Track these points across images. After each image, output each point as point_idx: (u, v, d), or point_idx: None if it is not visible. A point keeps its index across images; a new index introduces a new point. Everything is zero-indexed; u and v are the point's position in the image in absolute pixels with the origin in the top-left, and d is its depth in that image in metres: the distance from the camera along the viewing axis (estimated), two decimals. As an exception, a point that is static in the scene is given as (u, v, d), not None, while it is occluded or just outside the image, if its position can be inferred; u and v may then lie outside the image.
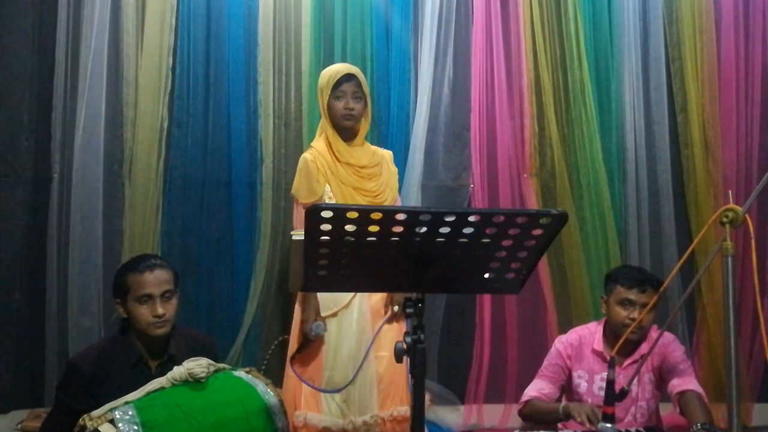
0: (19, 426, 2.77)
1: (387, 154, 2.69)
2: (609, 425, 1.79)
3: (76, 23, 3.00)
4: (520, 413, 2.36)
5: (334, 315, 2.47)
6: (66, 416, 2.02)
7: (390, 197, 2.58)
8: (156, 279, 2.05)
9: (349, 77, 2.51)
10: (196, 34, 3.07)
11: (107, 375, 2.02)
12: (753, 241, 1.68)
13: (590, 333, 2.40)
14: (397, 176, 2.69)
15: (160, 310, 2.03)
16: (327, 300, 2.47)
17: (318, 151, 2.55)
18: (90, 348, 2.17)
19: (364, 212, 1.27)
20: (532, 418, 2.29)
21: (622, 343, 2.24)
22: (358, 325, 2.45)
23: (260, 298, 3.06)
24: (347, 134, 2.56)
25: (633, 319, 2.21)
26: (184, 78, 3.05)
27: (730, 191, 1.87)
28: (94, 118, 2.96)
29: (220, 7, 3.11)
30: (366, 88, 2.57)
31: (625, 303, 2.25)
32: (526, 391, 2.37)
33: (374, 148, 2.68)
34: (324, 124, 2.59)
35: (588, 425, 2.03)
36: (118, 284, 2.09)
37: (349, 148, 2.54)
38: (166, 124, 3.03)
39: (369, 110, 2.62)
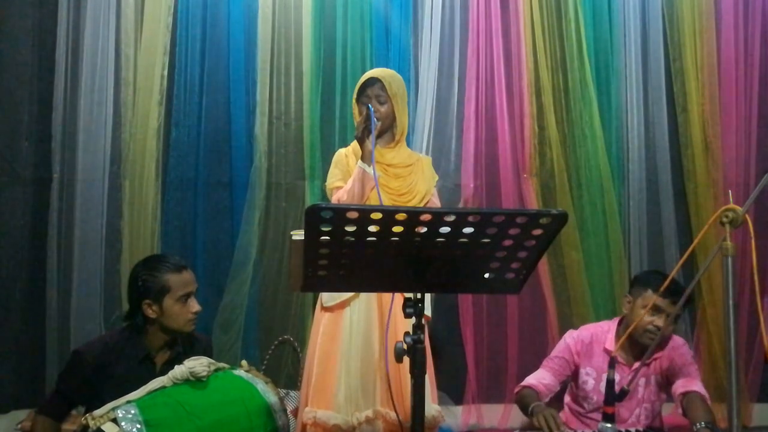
0: (19, 426, 2.77)
1: (425, 159, 2.68)
2: (609, 425, 1.79)
3: (76, 23, 3.01)
4: (515, 396, 2.37)
5: (346, 305, 2.45)
6: (62, 404, 2.08)
7: (417, 200, 2.55)
8: (191, 277, 2.11)
9: (372, 81, 2.51)
10: (194, 34, 3.08)
11: (111, 368, 2.04)
12: (753, 241, 1.68)
13: (603, 332, 2.39)
14: (433, 181, 2.64)
15: (198, 307, 2.09)
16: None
17: (352, 148, 2.58)
18: (97, 339, 2.18)
19: (364, 212, 1.27)
20: (520, 405, 2.29)
21: (633, 343, 2.24)
22: (368, 315, 2.42)
23: (260, 299, 3.06)
24: (379, 136, 2.53)
25: (657, 327, 2.20)
26: (183, 78, 3.06)
27: (730, 191, 1.87)
28: (94, 118, 2.97)
29: (220, 7, 3.11)
30: (393, 90, 2.50)
31: (655, 309, 2.23)
32: (527, 377, 2.37)
33: (412, 152, 2.68)
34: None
35: (546, 430, 2.01)
36: (153, 285, 2.05)
37: (380, 148, 2.53)
38: (163, 125, 3.03)
39: (400, 111, 2.55)
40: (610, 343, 2.33)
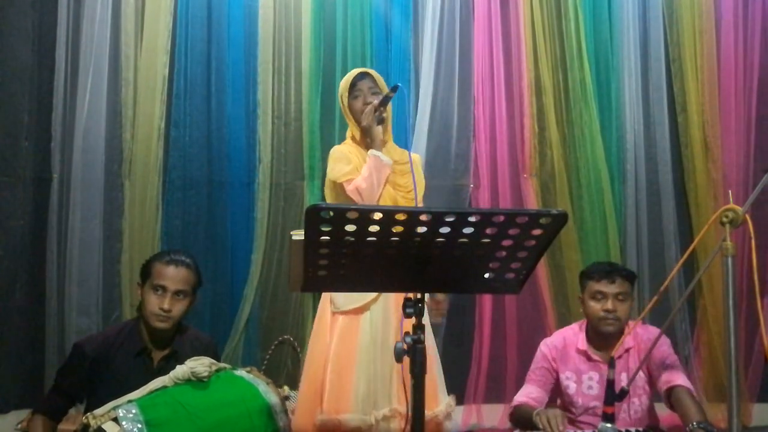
0: (19, 426, 2.76)
1: (416, 156, 2.60)
2: (609, 425, 1.79)
3: (76, 23, 3.01)
4: (510, 419, 2.37)
5: (366, 309, 2.42)
6: (60, 400, 2.10)
7: (420, 196, 2.53)
8: (177, 275, 2.13)
9: (363, 75, 2.49)
10: (195, 34, 3.08)
11: (110, 361, 2.08)
12: (753, 241, 1.68)
13: (574, 333, 2.41)
14: (423, 181, 2.58)
15: (166, 305, 2.09)
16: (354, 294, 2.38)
17: (348, 144, 2.51)
18: (98, 333, 2.26)
19: (364, 212, 1.27)
20: (519, 424, 2.29)
21: (599, 336, 2.29)
22: (387, 318, 2.41)
23: (260, 298, 3.06)
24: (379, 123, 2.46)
25: (607, 311, 2.25)
26: (183, 78, 3.06)
27: (730, 191, 1.88)
28: (94, 118, 2.97)
29: (220, 8, 3.12)
30: (381, 84, 2.48)
31: (597, 296, 2.28)
32: (515, 396, 2.37)
33: (401, 149, 2.58)
34: (352, 128, 2.51)
35: (547, 429, 2.01)
36: (144, 268, 2.19)
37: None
38: (163, 124, 3.03)
39: (389, 109, 2.52)
40: (582, 344, 2.35)
